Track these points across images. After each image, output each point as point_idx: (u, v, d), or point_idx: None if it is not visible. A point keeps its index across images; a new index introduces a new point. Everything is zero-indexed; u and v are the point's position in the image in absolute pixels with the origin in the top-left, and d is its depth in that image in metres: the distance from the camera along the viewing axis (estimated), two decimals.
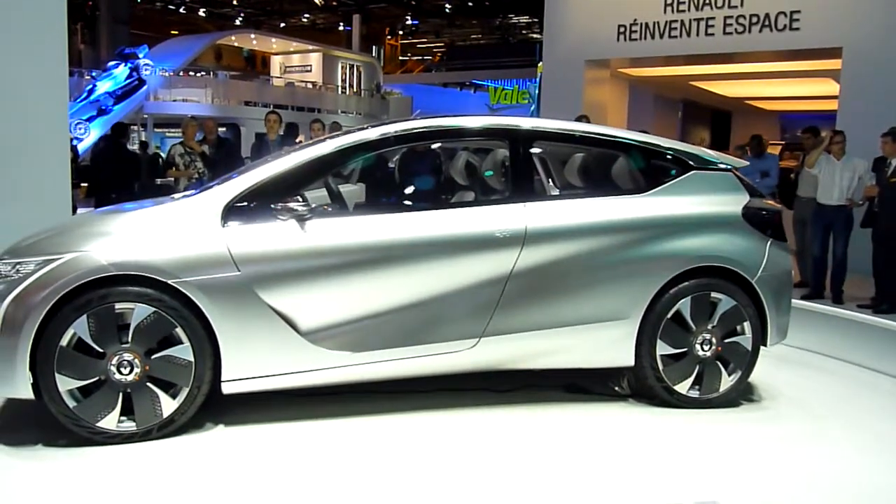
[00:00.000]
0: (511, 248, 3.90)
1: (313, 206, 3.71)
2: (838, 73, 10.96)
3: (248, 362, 3.62)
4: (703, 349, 4.14)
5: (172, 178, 8.87)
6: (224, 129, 21.18)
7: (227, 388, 3.62)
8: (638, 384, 4.28)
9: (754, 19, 11.38)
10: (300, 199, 3.71)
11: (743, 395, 4.36)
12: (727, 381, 4.20)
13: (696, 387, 4.19)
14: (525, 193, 4.10)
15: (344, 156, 4.02)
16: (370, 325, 3.75)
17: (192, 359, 3.53)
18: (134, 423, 3.49)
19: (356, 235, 3.77)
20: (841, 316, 5.96)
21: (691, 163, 4.36)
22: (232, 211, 3.66)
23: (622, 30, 12.69)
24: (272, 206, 3.69)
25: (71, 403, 3.40)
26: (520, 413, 4.06)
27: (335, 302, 3.72)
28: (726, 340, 4.18)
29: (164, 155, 14.10)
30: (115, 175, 9.58)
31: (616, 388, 4.41)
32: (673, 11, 12.16)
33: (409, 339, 3.81)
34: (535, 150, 4.32)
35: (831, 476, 3.40)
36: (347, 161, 4.16)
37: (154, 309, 3.46)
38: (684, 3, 12.05)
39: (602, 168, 4.48)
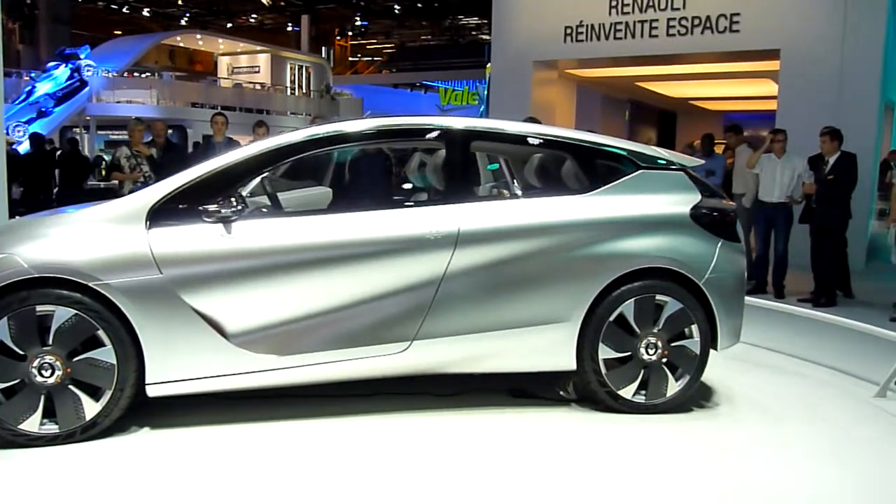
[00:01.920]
0: (443, 249, 3.83)
1: (239, 207, 3.68)
2: (777, 74, 11.27)
3: (172, 365, 3.60)
4: (648, 353, 4.04)
5: (117, 182, 8.68)
6: (171, 130, 20.84)
7: (151, 391, 3.61)
8: (582, 389, 4.20)
9: (696, 21, 11.62)
10: (230, 201, 3.68)
11: (692, 398, 4.27)
12: (675, 386, 4.10)
13: (642, 392, 4.08)
14: (460, 194, 4.02)
15: (271, 158, 3.94)
16: (297, 328, 3.71)
17: (114, 361, 3.52)
18: (57, 426, 3.49)
19: (282, 238, 3.74)
20: (783, 310, 6.12)
21: (639, 162, 4.24)
22: (158, 213, 3.65)
23: (569, 31, 12.83)
24: (198, 208, 3.66)
25: None
26: (460, 418, 3.99)
27: (260, 305, 3.68)
28: (673, 344, 4.07)
29: (107, 158, 13.81)
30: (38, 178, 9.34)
31: (561, 393, 4.30)
32: (618, 13, 12.34)
33: (337, 343, 3.76)
34: (472, 151, 4.24)
35: (773, 487, 3.28)
36: (275, 163, 4.00)
37: (75, 311, 3.46)
38: (629, 5, 12.23)
39: (544, 168, 4.46)
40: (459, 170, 4.13)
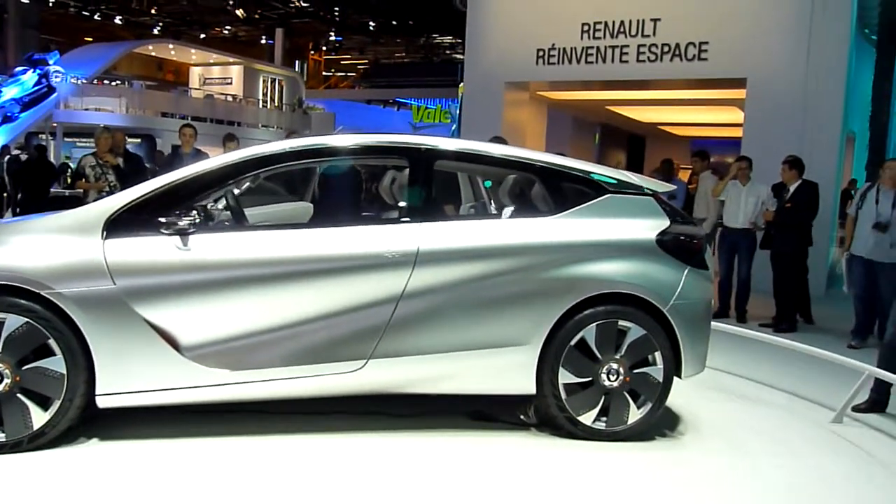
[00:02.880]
0: (401, 269, 3.79)
1: (195, 220, 3.67)
2: (743, 103, 11.50)
3: (123, 376, 3.59)
4: (609, 379, 3.98)
5: (81, 190, 8.55)
6: (139, 140, 20.61)
7: (101, 402, 3.60)
8: (542, 414, 4.14)
9: (666, 48, 11.83)
10: (187, 214, 3.67)
11: (654, 424, 4.21)
12: (636, 414, 4.03)
13: (603, 418, 4.02)
14: (421, 214, 3.99)
15: (232, 172, 3.93)
16: (250, 343, 3.69)
17: (64, 371, 3.51)
18: (3, 434, 3.48)
19: (237, 252, 3.73)
20: (744, 335, 6.20)
21: (607, 186, 4.20)
22: (115, 223, 3.65)
23: (541, 54, 12.97)
24: (155, 219, 3.65)
25: None
26: (415, 439, 3.95)
27: (213, 319, 3.66)
28: (635, 371, 4.01)
29: (73, 165, 13.62)
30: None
31: (522, 417, 4.23)
32: (589, 38, 12.51)
33: (291, 359, 3.73)
34: (436, 170, 4.20)
35: None
36: (236, 177, 3.97)
37: (26, 320, 3.46)
38: (601, 30, 12.41)
39: (509, 190, 4.48)
40: (422, 189, 4.08)
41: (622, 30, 12.19)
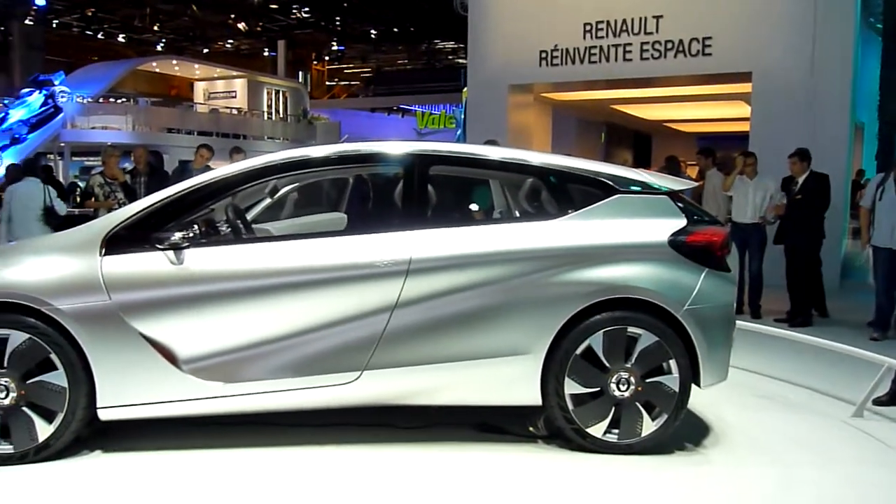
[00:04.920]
0: (394, 278, 3.72)
1: (190, 235, 3.71)
2: (749, 96, 11.43)
3: (122, 389, 3.65)
4: (619, 389, 3.78)
5: (91, 209, 8.59)
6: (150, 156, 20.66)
7: (103, 415, 3.66)
8: (551, 425, 3.98)
9: (669, 45, 11.78)
10: (182, 229, 3.71)
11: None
12: (651, 426, 3.82)
13: (614, 430, 3.82)
14: (413, 221, 3.90)
15: (227, 185, 3.96)
16: (243, 356, 3.70)
17: (66, 385, 3.58)
18: (11, 446, 3.57)
19: (231, 265, 3.74)
20: (759, 331, 6.15)
21: (616, 186, 4.01)
22: (113, 240, 3.72)
23: (544, 55, 12.95)
24: (151, 235, 3.71)
25: None
26: (420, 451, 3.87)
27: (207, 332, 3.68)
28: (649, 380, 3.81)
29: (81, 184, 13.69)
30: None
31: (531, 429, 4.07)
32: (592, 38, 12.47)
33: (285, 372, 3.72)
34: (430, 176, 4.11)
35: None
36: (231, 190, 4.00)
37: (29, 335, 3.55)
38: (603, 29, 12.37)
39: (509, 193, 4.42)
40: (415, 196, 3.99)
41: (625, 28, 12.15)
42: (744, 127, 12.33)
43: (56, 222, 7.73)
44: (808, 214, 7.81)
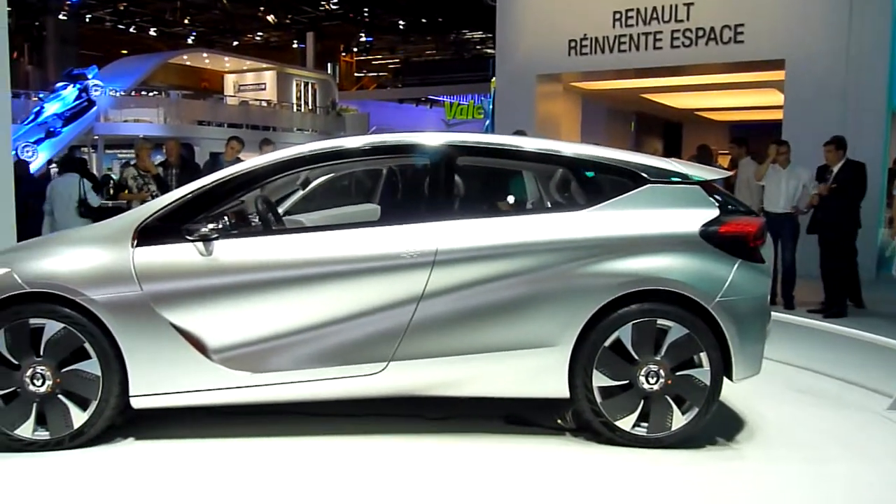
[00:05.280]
0: (420, 269, 3.72)
1: (219, 226, 3.76)
2: (782, 84, 11.25)
3: (153, 378, 3.72)
4: (648, 382, 3.74)
5: (124, 201, 8.73)
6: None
7: (135, 403, 3.74)
8: (579, 418, 3.94)
9: (700, 33, 11.64)
10: (212, 220, 3.77)
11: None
12: (681, 419, 3.77)
13: (643, 424, 3.78)
14: (440, 212, 3.89)
15: (256, 177, 3.99)
16: (271, 346, 3.73)
17: (99, 373, 3.67)
18: (48, 433, 3.68)
19: (258, 255, 3.78)
20: (792, 322, 6.07)
21: (646, 176, 3.96)
22: (145, 231, 3.78)
23: (573, 44, 12.86)
24: (181, 226, 3.76)
25: None
26: (448, 444, 3.85)
27: (235, 322, 3.73)
28: (678, 373, 3.76)
29: (115, 177, 13.90)
30: None
31: (559, 421, 4.06)
32: (622, 26, 12.37)
33: (312, 362, 3.75)
34: (457, 167, 4.11)
35: None
36: (259, 183, 4.04)
37: (64, 325, 3.65)
38: (632, 17, 12.26)
39: (540, 184, 4.38)
40: (442, 186, 3.99)
41: (655, 16, 12.03)
42: (776, 115, 12.16)
43: (92, 214, 7.95)
44: (844, 204, 7.68)
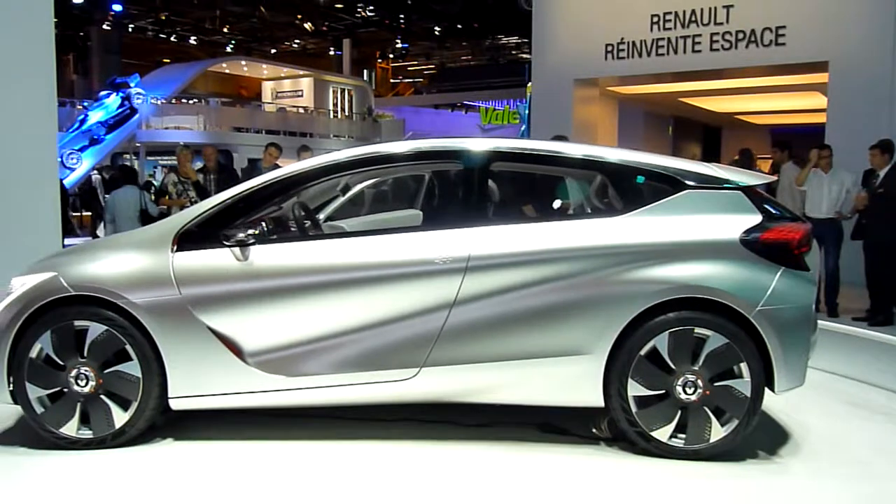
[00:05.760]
0: (452, 275, 3.71)
1: (256, 232, 3.81)
2: (826, 87, 11.04)
3: (190, 380, 3.79)
4: (685, 392, 3.65)
5: (165, 207, 8.89)
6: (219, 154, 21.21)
7: (174, 405, 3.83)
8: (615, 428, 3.87)
9: (740, 35, 11.47)
10: (249, 225, 3.83)
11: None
12: (720, 431, 3.66)
13: (680, 435, 3.69)
14: (473, 218, 3.86)
15: (290, 184, 4.04)
16: (305, 350, 3.77)
17: (139, 375, 3.76)
18: (91, 432, 3.79)
19: (293, 261, 3.82)
20: (836, 330, 5.94)
21: (685, 181, 3.87)
22: (184, 237, 3.85)
23: (610, 49, 12.77)
24: (219, 232, 3.82)
25: (39, 410, 3.78)
26: (480, 451, 3.82)
27: (270, 326, 3.78)
28: (717, 384, 3.66)
29: (156, 183, 14.15)
30: None
31: (594, 431, 4.01)
32: (660, 29, 12.25)
33: (345, 367, 3.77)
34: (491, 172, 4.08)
35: None
36: (294, 189, 4.10)
37: (106, 327, 3.74)
38: (671, 20, 12.14)
39: (580, 190, 4.33)
40: (475, 192, 3.96)
41: (693, 19, 11.89)
42: (819, 118, 11.93)
43: (150, 223, 8.31)
44: (890, 208, 7.49)
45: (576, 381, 3.74)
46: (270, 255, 3.82)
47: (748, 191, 3.92)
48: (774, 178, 4.47)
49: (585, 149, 4.16)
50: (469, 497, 3.36)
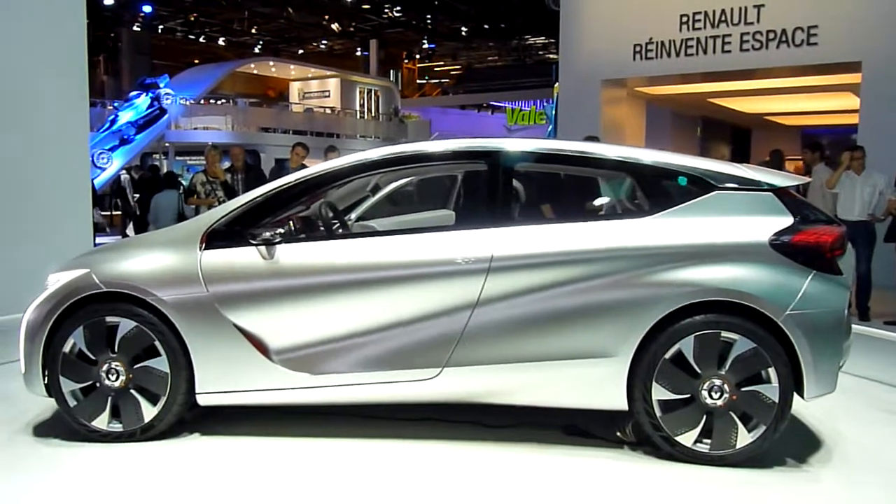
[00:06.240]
0: (475, 276, 3.70)
1: (282, 231, 3.86)
2: (858, 87, 10.87)
3: (217, 376, 3.86)
4: (711, 397, 3.59)
5: (193, 206, 8.98)
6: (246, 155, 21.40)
7: (202, 400, 3.90)
8: (637, 431, 3.86)
9: (771, 35, 11.33)
10: (275, 225, 3.88)
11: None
12: (746, 437, 3.60)
13: (706, 440, 3.64)
14: (497, 218, 3.84)
15: (318, 183, 4.08)
16: (329, 348, 3.80)
17: (168, 370, 3.83)
18: (121, 425, 3.89)
19: (318, 260, 3.86)
20: (868, 334, 5.84)
21: (713, 182, 3.81)
22: (212, 235, 3.92)
23: (638, 49, 12.68)
24: (246, 231, 3.87)
25: (72, 403, 3.88)
26: (506, 452, 3.81)
27: (295, 324, 3.82)
28: (744, 389, 3.59)
29: (185, 182, 14.32)
30: None
31: (619, 434, 4.00)
32: (689, 29, 12.14)
33: (367, 366, 3.79)
34: (516, 173, 4.06)
35: None
36: (321, 188, 4.14)
37: (136, 323, 3.83)
38: (700, 20, 12.03)
39: (612, 190, 4.31)
40: (500, 193, 3.93)
41: (723, 18, 11.77)
42: (852, 119, 11.75)
43: None
44: None
45: (599, 384, 3.71)
46: (296, 254, 3.85)
47: (780, 192, 3.83)
48: (808, 179, 4.35)
49: (627, 150, 4.09)
50: (490, 498, 3.35)
